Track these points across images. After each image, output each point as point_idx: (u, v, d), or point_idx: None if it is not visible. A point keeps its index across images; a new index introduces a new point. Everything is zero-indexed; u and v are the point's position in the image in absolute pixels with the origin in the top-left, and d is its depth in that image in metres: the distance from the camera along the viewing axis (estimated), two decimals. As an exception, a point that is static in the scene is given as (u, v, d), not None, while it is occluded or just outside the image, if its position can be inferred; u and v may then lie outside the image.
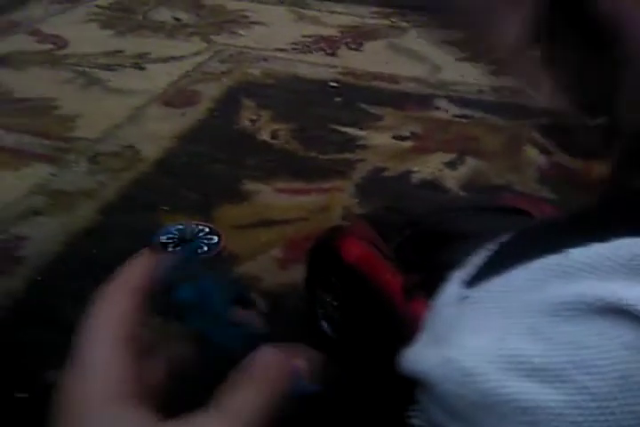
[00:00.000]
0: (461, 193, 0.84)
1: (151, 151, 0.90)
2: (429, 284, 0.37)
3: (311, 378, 0.35)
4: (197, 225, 0.75)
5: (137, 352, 0.34)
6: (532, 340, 0.30)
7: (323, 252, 0.55)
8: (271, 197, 0.82)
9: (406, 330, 0.37)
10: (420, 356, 0.34)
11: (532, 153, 0.87)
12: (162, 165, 0.87)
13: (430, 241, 0.46)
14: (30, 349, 0.61)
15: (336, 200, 0.81)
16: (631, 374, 0.28)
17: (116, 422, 0.32)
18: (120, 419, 0.32)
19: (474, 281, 0.35)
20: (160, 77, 1.12)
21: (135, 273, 0.38)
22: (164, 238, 0.74)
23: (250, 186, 0.84)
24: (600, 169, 0.41)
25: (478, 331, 0.32)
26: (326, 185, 0.85)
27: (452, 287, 0.35)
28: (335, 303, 0.55)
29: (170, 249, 0.72)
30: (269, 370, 0.34)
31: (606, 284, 0.29)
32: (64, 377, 0.34)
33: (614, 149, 0.40)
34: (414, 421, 0.35)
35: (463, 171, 0.89)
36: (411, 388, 0.34)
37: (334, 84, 1.12)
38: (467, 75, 1.14)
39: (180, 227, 0.75)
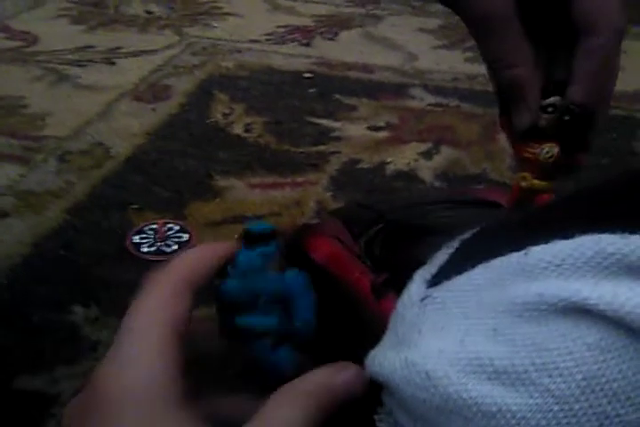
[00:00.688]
0: (437, 184, 0.83)
1: (121, 148, 0.89)
2: (399, 282, 0.36)
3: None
4: (167, 223, 0.74)
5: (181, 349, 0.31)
6: (494, 341, 0.29)
7: (292, 251, 0.53)
8: (244, 192, 0.81)
9: (376, 330, 0.36)
10: (383, 358, 0.33)
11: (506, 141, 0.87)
12: (132, 163, 0.86)
13: (400, 237, 0.45)
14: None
15: (309, 194, 0.80)
16: (594, 375, 0.27)
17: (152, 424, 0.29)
18: (158, 422, 0.29)
19: (436, 280, 0.34)
20: (131, 72, 1.10)
21: (193, 266, 0.34)
22: (136, 238, 0.73)
23: (222, 182, 0.83)
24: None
25: (439, 332, 0.31)
26: (300, 179, 0.84)
27: (415, 287, 0.35)
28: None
29: (145, 249, 0.71)
30: (316, 388, 0.32)
31: (569, 283, 0.28)
32: (97, 371, 0.30)
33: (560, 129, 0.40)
34: (380, 424, 0.34)
35: (438, 160, 0.88)
36: (378, 390, 0.33)
37: (308, 75, 1.10)
38: (442, 62, 1.14)
39: (154, 226, 0.74)
